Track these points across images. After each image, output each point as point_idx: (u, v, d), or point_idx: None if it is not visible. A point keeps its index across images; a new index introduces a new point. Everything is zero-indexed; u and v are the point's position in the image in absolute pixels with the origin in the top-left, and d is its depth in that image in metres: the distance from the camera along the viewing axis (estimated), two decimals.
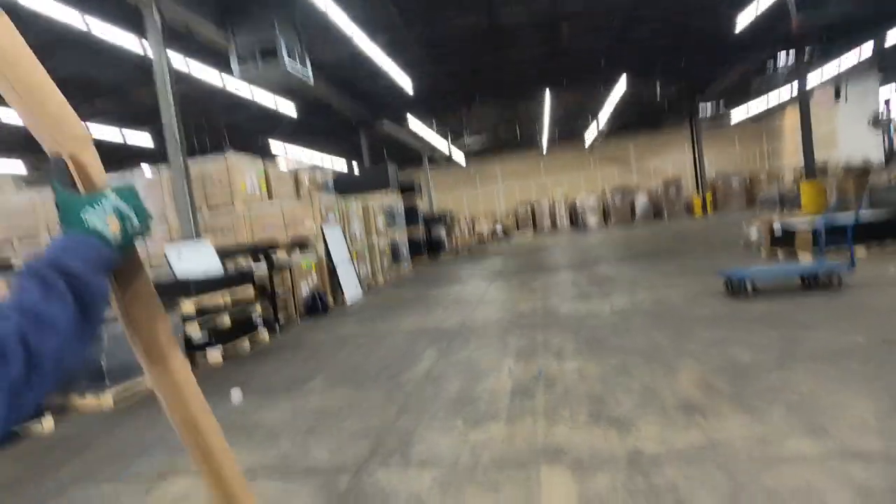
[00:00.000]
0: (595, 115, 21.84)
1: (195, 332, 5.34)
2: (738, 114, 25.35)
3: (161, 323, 0.72)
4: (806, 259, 6.83)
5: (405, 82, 12.84)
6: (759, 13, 10.82)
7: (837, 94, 20.10)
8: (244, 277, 6.23)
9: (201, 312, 5.51)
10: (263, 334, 6.34)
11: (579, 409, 2.83)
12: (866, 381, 2.79)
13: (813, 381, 2.86)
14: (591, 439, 2.45)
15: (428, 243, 17.09)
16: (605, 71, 14.08)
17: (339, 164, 23.77)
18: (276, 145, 19.04)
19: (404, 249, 14.21)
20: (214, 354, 5.43)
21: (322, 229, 8.81)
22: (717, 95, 20.13)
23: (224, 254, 7.67)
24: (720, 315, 4.66)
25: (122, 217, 0.62)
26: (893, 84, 20.85)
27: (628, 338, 4.29)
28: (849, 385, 2.75)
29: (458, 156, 26.75)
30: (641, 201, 22.96)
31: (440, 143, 22.53)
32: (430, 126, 19.60)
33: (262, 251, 7.71)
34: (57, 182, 0.62)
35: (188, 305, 5.33)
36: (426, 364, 4.26)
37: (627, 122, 25.11)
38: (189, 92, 12.42)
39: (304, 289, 8.11)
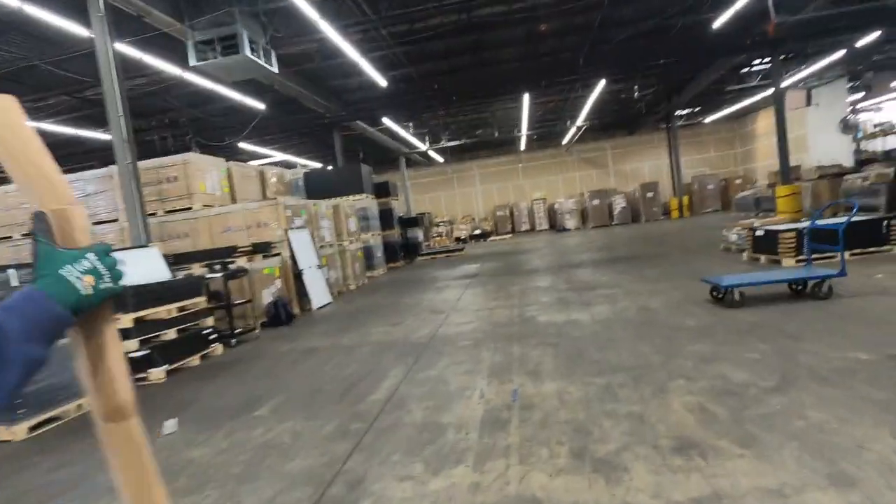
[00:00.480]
0: (573, 118, 21.73)
1: (133, 348, 4.78)
2: (713, 117, 25.65)
3: (122, 383, 0.70)
4: (789, 264, 6.63)
5: (379, 81, 12.36)
6: (737, 14, 10.71)
7: (809, 100, 20.43)
8: (194, 287, 5.68)
9: (143, 327, 4.96)
10: (217, 348, 5.81)
11: (559, 447, 2.43)
12: (881, 407, 2.46)
13: (821, 407, 2.53)
14: (574, 489, 2.06)
15: (404, 246, 16.63)
16: (584, 72, 13.86)
17: (314, 167, 23.10)
18: (247, 146, 18.31)
19: (379, 253, 13.73)
20: (157, 373, 4.88)
21: (287, 233, 8.28)
22: (693, 98, 20.22)
23: (177, 260, 7.10)
24: (708, 325, 4.34)
25: (96, 275, 0.64)
26: (863, 92, 21.29)
27: (612, 352, 3.93)
28: (862, 413, 2.43)
29: (436, 157, 26.36)
30: (619, 204, 22.93)
31: (417, 144, 22.10)
32: (407, 127, 19.16)
33: (217, 257, 7.16)
34: (39, 233, 0.64)
35: (126, 319, 4.78)
36: (390, 384, 3.82)
37: (605, 125, 25.13)
38: (152, 88, 11.73)
39: (267, 297, 7.57)
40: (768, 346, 3.60)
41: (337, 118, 14.97)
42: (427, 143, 22.64)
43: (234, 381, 4.57)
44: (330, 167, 16.77)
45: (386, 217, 15.55)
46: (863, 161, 18.95)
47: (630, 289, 6.52)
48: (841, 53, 14.60)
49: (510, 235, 25.09)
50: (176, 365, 5.15)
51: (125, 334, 4.74)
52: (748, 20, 12.60)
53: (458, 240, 24.36)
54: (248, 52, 8.07)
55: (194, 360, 5.44)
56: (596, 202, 23.09)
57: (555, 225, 25.62)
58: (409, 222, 17.68)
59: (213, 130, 16.15)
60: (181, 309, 5.43)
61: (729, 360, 3.40)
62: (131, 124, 6.99)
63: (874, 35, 13.83)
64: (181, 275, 6.19)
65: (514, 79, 14.64)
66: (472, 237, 24.88)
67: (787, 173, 13.76)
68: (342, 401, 3.59)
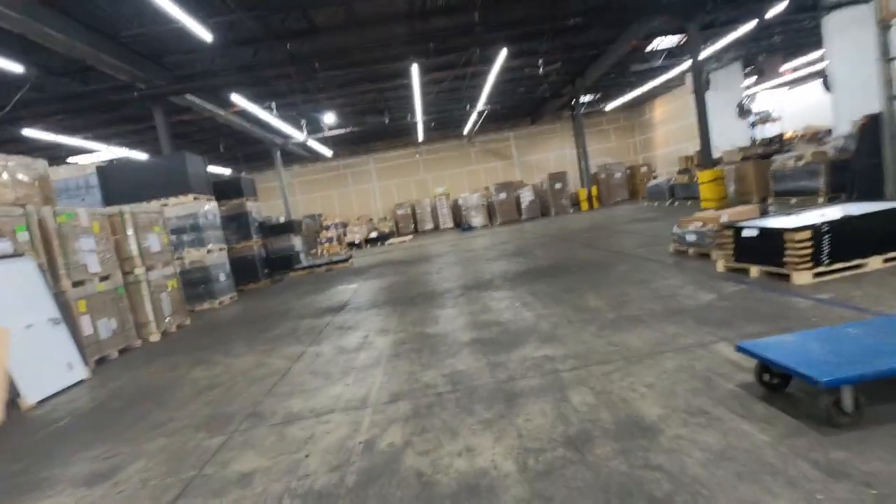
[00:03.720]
0: (473, 102, 19.23)
1: None
2: (614, 104, 24.72)
3: None
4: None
5: (197, 30, 8.59)
6: None
7: (708, 84, 19.75)
8: None
9: None
10: None
11: None
12: None
13: None
14: None
15: (269, 261, 12.91)
16: (481, 33, 11.18)
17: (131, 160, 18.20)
18: (38, 135, 13.29)
19: (222, 275, 9.96)
20: None
21: None
22: (596, 83, 18.66)
23: None
24: None
25: None
26: (755, 76, 21.24)
27: None
28: None
29: (322, 150, 22.55)
30: (527, 197, 20.90)
31: (293, 134, 18.23)
32: (269, 109, 15.28)
33: None
34: None
35: None
36: None
37: (507, 112, 23.08)
38: None
39: None
40: None
41: (154, 90, 10.81)
42: (305, 133, 18.84)
43: None
44: (147, 158, 12.10)
45: (238, 225, 11.76)
46: (766, 144, 18.62)
47: (580, 347, 3.71)
48: (752, 25, 13.40)
49: (412, 237, 22.10)
50: None
51: None
52: None
53: (351, 245, 20.87)
54: None
55: None
56: (503, 196, 20.86)
57: (460, 223, 23.11)
58: (279, 229, 13.94)
59: None
60: None
61: None
62: None
63: (783, 5, 12.77)
64: None
65: (396, 44, 11.53)
66: (368, 241, 21.53)
67: (709, 156, 12.21)
68: None
